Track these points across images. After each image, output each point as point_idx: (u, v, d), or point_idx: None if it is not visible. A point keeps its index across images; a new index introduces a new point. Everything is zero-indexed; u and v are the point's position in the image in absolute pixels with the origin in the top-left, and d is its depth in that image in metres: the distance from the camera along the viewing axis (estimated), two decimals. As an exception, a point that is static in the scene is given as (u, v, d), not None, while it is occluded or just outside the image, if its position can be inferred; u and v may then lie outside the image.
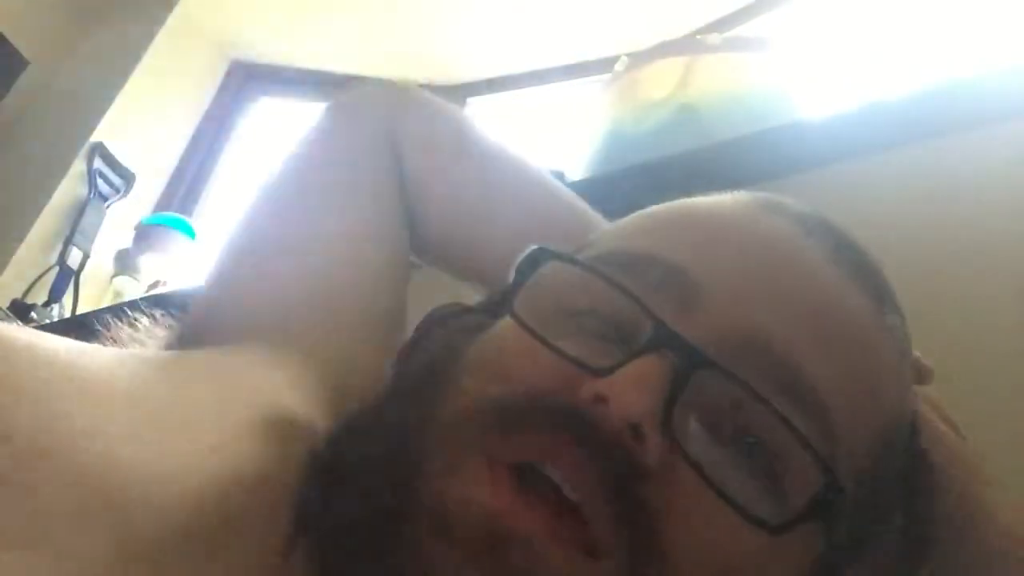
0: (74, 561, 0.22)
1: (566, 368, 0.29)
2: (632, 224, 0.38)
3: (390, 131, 0.52)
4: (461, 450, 0.28)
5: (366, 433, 0.32)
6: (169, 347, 0.41)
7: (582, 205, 0.52)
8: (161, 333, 0.42)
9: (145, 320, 0.43)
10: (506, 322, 0.32)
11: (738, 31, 1.76)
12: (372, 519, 0.27)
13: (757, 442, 0.29)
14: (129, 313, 0.42)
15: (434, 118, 0.55)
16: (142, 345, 0.41)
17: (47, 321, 1.53)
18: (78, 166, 1.80)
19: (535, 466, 0.27)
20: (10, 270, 1.67)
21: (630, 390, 0.27)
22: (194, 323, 0.43)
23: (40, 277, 1.66)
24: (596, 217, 0.51)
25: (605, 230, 0.41)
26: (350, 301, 0.44)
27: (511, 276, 0.32)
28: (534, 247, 0.32)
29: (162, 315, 0.43)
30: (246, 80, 2.22)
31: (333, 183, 0.49)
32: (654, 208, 0.38)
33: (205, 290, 0.44)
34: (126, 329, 0.41)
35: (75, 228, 1.73)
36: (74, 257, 1.71)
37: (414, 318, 0.44)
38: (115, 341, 0.41)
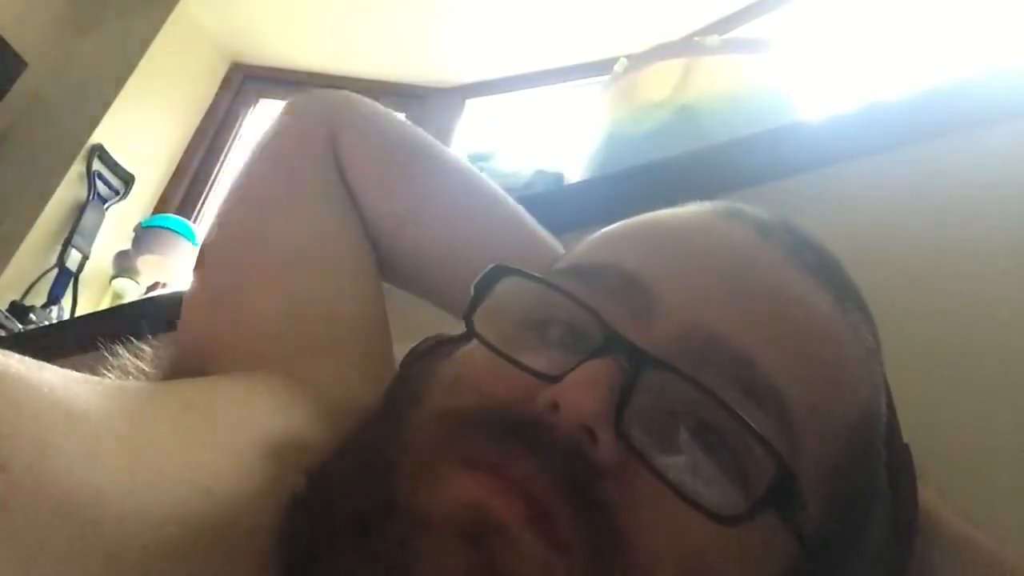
0: None
1: (525, 379, 0.30)
2: (594, 238, 0.39)
3: (335, 154, 0.51)
4: (429, 452, 0.29)
5: (341, 457, 0.32)
6: (165, 377, 0.42)
7: (531, 222, 0.52)
8: (159, 362, 0.42)
9: (149, 351, 0.43)
10: (472, 343, 0.33)
11: (737, 32, 1.76)
12: (353, 524, 0.28)
13: (719, 438, 0.29)
14: (135, 342, 0.42)
15: (371, 131, 0.53)
16: (144, 376, 0.41)
17: (46, 323, 1.53)
18: (77, 168, 1.80)
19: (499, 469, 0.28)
20: (9, 271, 1.67)
21: (578, 393, 0.28)
22: (183, 352, 0.43)
23: (39, 279, 1.67)
24: (546, 234, 0.52)
25: (576, 246, 0.42)
26: (333, 320, 0.44)
27: (471, 295, 0.33)
28: (492, 266, 0.33)
29: (161, 345, 0.43)
30: (246, 82, 2.22)
31: (296, 196, 0.48)
32: (618, 223, 0.39)
33: (187, 316, 0.45)
34: (132, 359, 0.42)
35: (74, 230, 1.73)
36: (73, 259, 1.71)
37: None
38: (121, 371, 0.41)
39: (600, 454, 0.28)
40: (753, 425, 0.28)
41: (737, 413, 0.28)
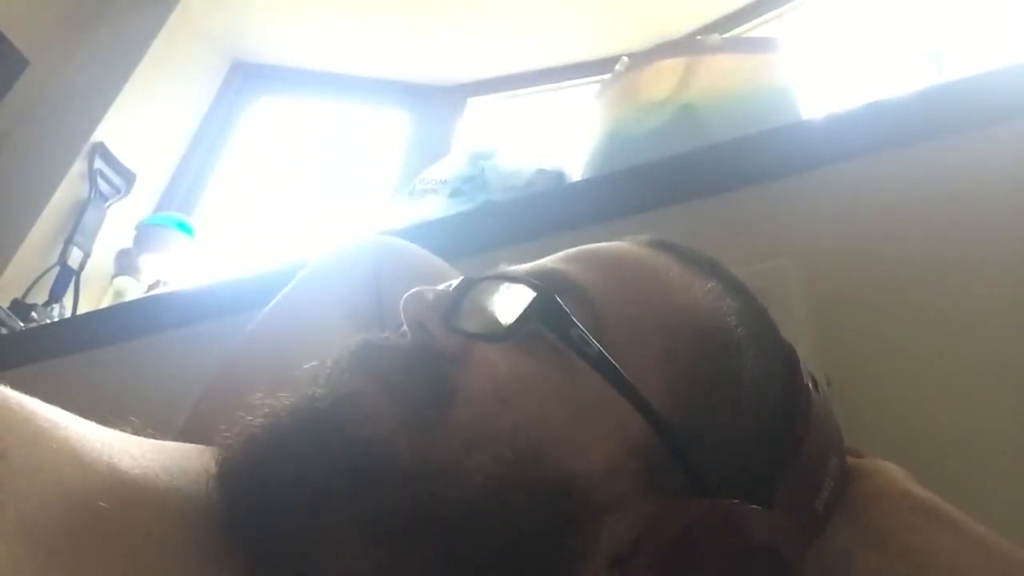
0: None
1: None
2: None
3: (376, 290, 0.62)
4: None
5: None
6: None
7: None
8: None
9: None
10: None
11: (739, 31, 1.76)
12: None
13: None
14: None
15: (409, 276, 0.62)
16: None
17: (47, 321, 1.54)
18: (79, 166, 1.80)
19: None
20: (11, 270, 1.67)
21: (405, 304, 0.38)
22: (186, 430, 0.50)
23: (41, 277, 1.66)
24: None
25: None
26: None
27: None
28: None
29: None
30: (247, 80, 2.22)
31: (329, 328, 0.57)
32: None
33: (202, 401, 0.53)
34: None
35: (76, 228, 1.73)
36: (75, 257, 1.71)
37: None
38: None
39: (438, 342, 0.37)
40: (524, 276, 0.38)
41: (518, 276, 0.38)
